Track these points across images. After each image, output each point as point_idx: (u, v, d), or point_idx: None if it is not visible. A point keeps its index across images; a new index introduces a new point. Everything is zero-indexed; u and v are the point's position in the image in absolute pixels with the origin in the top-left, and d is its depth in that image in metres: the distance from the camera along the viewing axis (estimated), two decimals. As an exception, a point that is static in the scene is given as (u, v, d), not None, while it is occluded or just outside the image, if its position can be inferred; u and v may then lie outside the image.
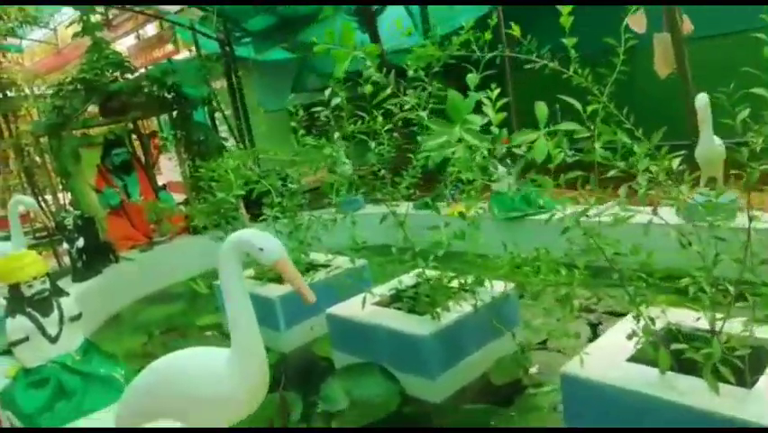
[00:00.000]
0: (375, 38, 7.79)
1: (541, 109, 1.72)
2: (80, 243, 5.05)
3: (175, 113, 6.51)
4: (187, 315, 4.98)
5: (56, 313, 2.89)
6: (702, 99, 3.94)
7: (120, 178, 6.27)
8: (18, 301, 2.83)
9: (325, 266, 4.12)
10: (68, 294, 3.03)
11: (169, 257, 5.94)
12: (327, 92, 2.91)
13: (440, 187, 5.75)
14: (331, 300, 3.54)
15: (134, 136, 6.80)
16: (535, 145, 1.69)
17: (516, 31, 2.20)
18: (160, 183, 6.84)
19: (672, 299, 2.40)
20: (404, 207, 3.44)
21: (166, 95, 6.25)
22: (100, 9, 6.61)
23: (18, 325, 2.81)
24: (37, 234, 8.20)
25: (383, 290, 3.57)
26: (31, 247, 3.91)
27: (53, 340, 2.87)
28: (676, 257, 2.43)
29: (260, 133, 7.94)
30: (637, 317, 2.26)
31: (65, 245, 5.20)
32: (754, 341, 2.18)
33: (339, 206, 6.36)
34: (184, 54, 10.48)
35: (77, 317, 2.91)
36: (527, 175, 2.09)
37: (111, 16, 11.19)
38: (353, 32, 2.14)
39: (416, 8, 7.67)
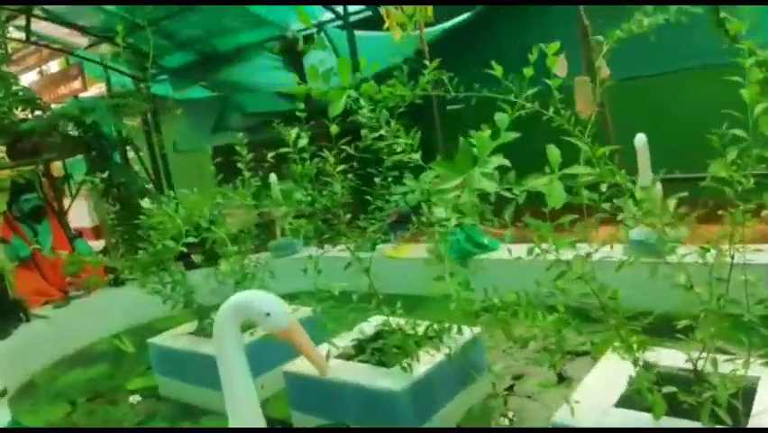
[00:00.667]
0: (302, 77, 7.66)
1: (553, 153, 1.63)
2: (-15, 301, 4.50)
3: (93, 153, 6.01)
4: (114, 378, 4.48)
5: (-27, 391, 2.46)
6: (641, 139, 4.09)
7: (30, 226, 5.67)
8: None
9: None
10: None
11: (89, 313, 5.38)
12: (293, 131, 2.73)
13: (384, 226, 5.67)
14: (282, 354, 3.21)
15: (45, 180, 6.22)
16: (550, 190, 1.60)
17: (498, 71, 2.14)
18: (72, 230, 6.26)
19: (642, 339, 2.39)
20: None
21: (83, 134, 5.78)
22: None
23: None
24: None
25: (344, 341, 3.35)
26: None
27: (-30, 424, 2.44)
28: (634, 294, 2.42)
29: (178, 174, 7.61)
30: (635, 362, 2.20)
31: (-34, 305, 4.61)
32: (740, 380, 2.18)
33: (273, 250, 6.10)
34: (92, 91, 9.86)
35: (2, 394, 2.49)
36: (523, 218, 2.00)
37: (11, 50, 10.34)
38: (347, 65, 1.98)
39: (344, 47, 7.62)
